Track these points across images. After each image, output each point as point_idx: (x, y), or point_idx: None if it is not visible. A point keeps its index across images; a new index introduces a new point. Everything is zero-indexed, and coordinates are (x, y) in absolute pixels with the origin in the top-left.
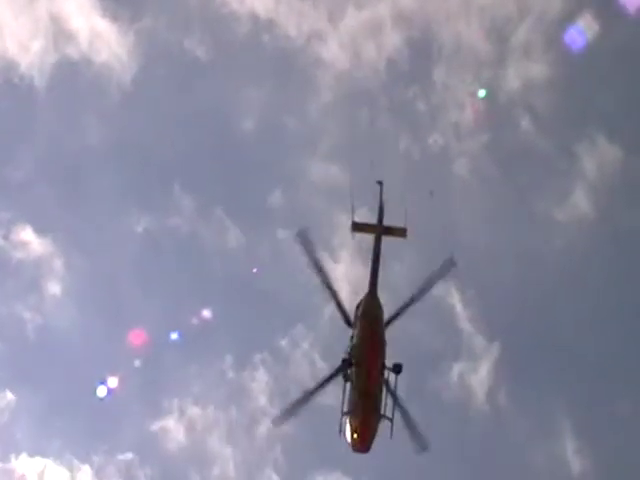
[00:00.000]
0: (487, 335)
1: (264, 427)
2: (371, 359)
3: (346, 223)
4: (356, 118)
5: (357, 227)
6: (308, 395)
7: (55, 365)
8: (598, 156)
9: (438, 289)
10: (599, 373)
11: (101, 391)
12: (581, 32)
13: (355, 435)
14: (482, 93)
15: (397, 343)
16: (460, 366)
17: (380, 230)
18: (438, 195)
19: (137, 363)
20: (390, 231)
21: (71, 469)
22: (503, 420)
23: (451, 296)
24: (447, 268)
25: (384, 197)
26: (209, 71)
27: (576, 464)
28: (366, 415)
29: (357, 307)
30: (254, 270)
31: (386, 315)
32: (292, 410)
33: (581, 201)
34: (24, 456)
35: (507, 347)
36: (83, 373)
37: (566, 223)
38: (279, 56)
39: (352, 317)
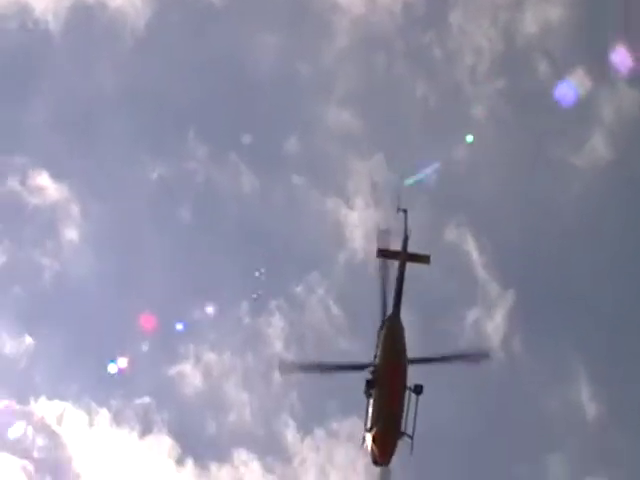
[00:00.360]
0: (502, 282)
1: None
2: (393, 380)
3: (361, 170)
4: (372, 63)
5: (382, 253)
6: (322, 368)
7: (73, 310)
8: (616, 100)
9: (453, 236)
10: (614, 318)
11: (112, 368)
12: (572, 87)
13: (376, 450)
14: (470, 138)
15: (413, 290)
16: (475, 313)
17: (404, 257)
18: (455, 141)
19: (153, 308)
20: (414, 258)
21: (89, 412)
22: (518, 366)
23: (466, 243)
24: (480, 357)
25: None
26: (223, 16)
27: (591, 409)
28: (387, 432)
29: (380, 328)
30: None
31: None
32: (302, 368)
33: (599, 145)
34: (43, 399)
35: (522, 294)
36: (101, 317)
37: (583, 169)
38: (294, 1)
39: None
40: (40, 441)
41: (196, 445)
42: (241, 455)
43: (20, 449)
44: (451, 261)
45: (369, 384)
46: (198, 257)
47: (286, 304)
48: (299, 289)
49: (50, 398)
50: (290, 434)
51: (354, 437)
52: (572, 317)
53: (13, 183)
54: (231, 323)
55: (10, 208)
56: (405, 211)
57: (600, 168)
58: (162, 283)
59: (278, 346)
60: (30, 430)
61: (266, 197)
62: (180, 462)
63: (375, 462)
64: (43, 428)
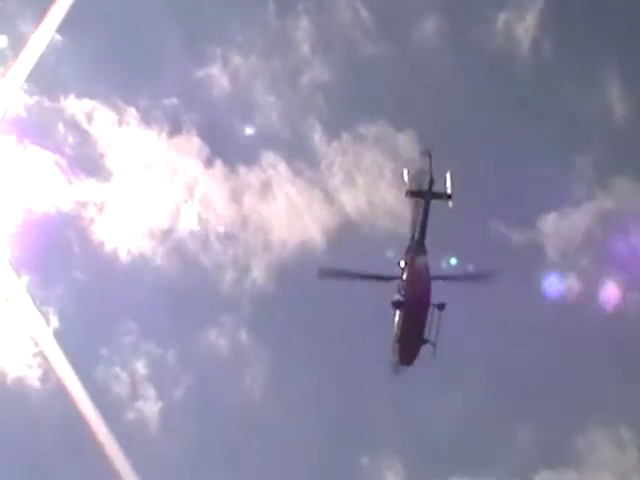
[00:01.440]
0: None
1: (307, 77)
2: (420, 296)
3: None
4: None
5: (410, 193)
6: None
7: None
8: None
9: None
10: None
11: None
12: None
13: (401, 353)
14: (453, 261)
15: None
16: (505, 15)
17: (429, 197)
18: None
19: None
20: (438, 196)
21: (118, 111)
22: (547, 70)
23: None
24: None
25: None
26: None
27: (620, 110)
28: (411, 339)
29: (406, 253)
30: None
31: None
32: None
33: None
34: (72, 97)
35: None
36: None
37: None
38: None
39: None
40: (71, 138)
41: (225, 147)
42: (269, 158)
43: (52, 145)
44: None
45: (396, 305)
46: None
47: (314, 6)
48: None
49: (79, 97)
50: (317, 137)
51: (381, 141)
52: (604, 22)
53: None
54: (258, 25)
55: None
56: (430, 155)
57: None
58: None
59: (305, 49)
60: (61, 127)
61: None
62: (209, 163)
63: (400, 362)
64: (74, 126)
